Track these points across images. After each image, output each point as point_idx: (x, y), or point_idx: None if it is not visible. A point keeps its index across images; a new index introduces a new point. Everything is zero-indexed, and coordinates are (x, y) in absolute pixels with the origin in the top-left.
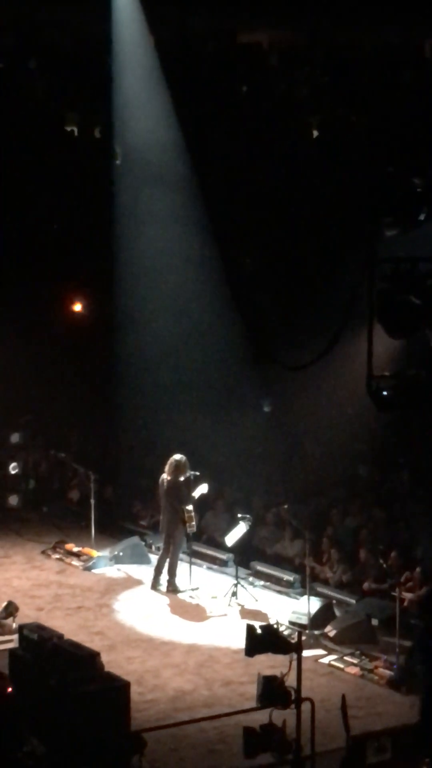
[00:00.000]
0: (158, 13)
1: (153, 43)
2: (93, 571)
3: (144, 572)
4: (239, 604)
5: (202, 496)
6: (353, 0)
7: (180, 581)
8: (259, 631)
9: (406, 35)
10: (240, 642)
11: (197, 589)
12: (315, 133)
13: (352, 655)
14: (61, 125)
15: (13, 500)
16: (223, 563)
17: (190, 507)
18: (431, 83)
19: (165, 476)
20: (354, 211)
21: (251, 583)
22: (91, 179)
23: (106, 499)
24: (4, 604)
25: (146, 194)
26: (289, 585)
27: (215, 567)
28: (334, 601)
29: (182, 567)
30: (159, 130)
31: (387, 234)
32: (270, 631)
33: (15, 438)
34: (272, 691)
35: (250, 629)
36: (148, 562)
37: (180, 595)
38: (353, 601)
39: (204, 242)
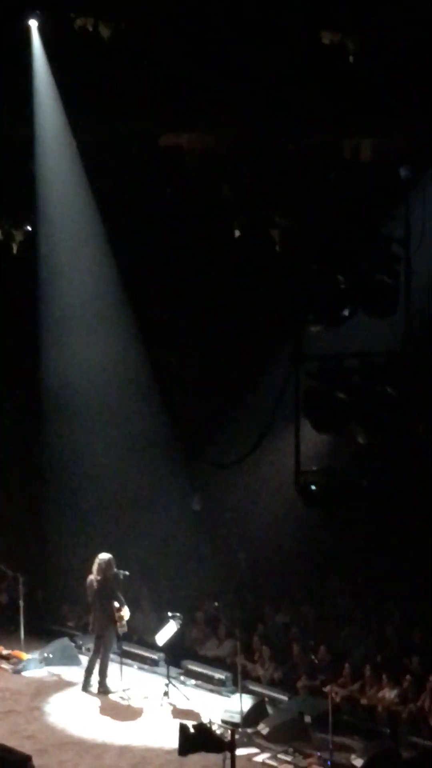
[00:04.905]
0: (80, 117)
1: (75, 147)
2: (23, 673)
3: (75, 674)
4: (171, 704)
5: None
6: (272, 103)
7: (111, 682)
8: (191, 730)
9: (326, 137)
10: (173, 742)
11: (129, 689)
12: (236, 233)
13: (285, 752)
14: None
15: None
16: (154, 663)
17: (117, 604)
18: (353, 183)
19: (93, 576)
20: (279, 309)
21: (183, 683)
22: (15, 284)
23: (34, 601)
24: None
25: (71, 300)
26: (221, 683)
27: (146, 667)
28: (266, 699)
29: (113, 667)
30: (83, 233)
31: (312, 330)
32: (203, 730)
33: None
34: None
35: (183, 729)
36: (78, 663)
37: (111, 696)
38: (285, 699)
39: (131, 344)
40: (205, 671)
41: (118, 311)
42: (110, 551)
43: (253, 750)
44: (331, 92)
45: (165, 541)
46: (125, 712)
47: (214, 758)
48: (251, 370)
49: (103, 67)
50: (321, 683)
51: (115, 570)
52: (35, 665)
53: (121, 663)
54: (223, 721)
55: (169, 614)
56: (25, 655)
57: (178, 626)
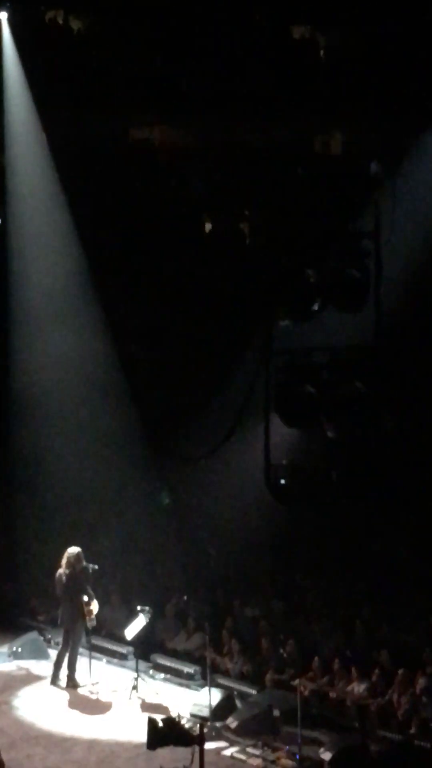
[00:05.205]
0: (50, 110)
1: (46, 140)
2: None
3: (43, 667)
4: (140, 698)
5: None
6: (243, 97)
7: (80, 676)
8: (160, 724)
9: (296, 131)
10: (142, 736)
11: (97, 683)
12: (208, 227)
13: (254, 746)
14: None
15: None
16: (123, 657)
17: (86, 598)
18: (323, 177)
19: (62, 570)
20: (249, 304)
21: (152, 677)
22: None
23: (3, 595)
24: None
25: (41, 294)
26: (190, 677)
27: (115, 661)
28: (235, 693)
29: (82, 661)
30: (52, 227)
31: (281, 325)
32: (171, 724)
33: None
34: None
35: (152, 723)
36: (47, 657)
37: (80, 690)
38: (254, 692)
39: (100, 338)
40: (174, 665)
41: (88, 306)
42: (79, 545)
43: (222, 744)
44: (301, 87)
45: (134, 535)
46: (94, 706)
47: (182, 752)
48: (221, 365)
49: (73, 60)
50: (290, 677)
51: (84, 564)
52: (3, 659)
53: (90, 657)
54: (192, 715)
55: (138, 608)
56: None
57: (147, 620)
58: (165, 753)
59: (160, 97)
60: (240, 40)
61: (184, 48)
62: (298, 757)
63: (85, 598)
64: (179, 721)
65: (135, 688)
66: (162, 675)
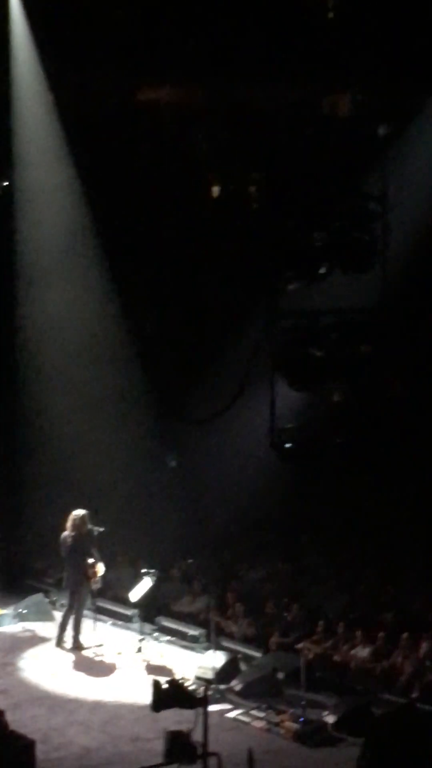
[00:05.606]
0: (57, 71)
1: (53, 101)
2: None
3: (48, 629)
4: (145, 660)
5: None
6: (250, 58)
7: (85, 638)
8: (165, 686)
9: (304, 92)
10: (146, 698)
11: (102, 645)
12: (216, 190)
13: (258, 709)
14: None
15: None
16: (128, 619)
17: (91, 560)
18: (331, 139)
19: (68, 532)
20: (256, 266)
21: (156, 639)
22: None
23: (9, 556)
24: None
25: (48, 255)
26: (195, 640)
27: (120, 623)
28: (239, 656)
29: (87, 623)
30: (59, 189)
31: (289, 288)
32: (176, 687)
33: None
34: (179, 747)
35: (156, 685)
36: (52, 619)
37: (85, 652)
38: (259, 655)
39: (107, 299)
40: (178, 627)
41: (95, 267)
42: (85, 507)
43: (226, 706)
44: (310, 47)
45: (140, 498)
46: (99, 668)
47: (187, 714)
48: (227, 327)
49: (81, 20)
50: (294, 640)
51: (90, 526)
52: (9, 620)
53: (95, 619)
54: (197, 677)
55: (144, 570)
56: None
57: (153, 582)
58: (169, 715)
59: (167, 58)
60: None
61: (192, 7)
62: (302, 720)
63: (91, 561)
64: (184, 684)
65: (140, 650)
66: (167, 637)
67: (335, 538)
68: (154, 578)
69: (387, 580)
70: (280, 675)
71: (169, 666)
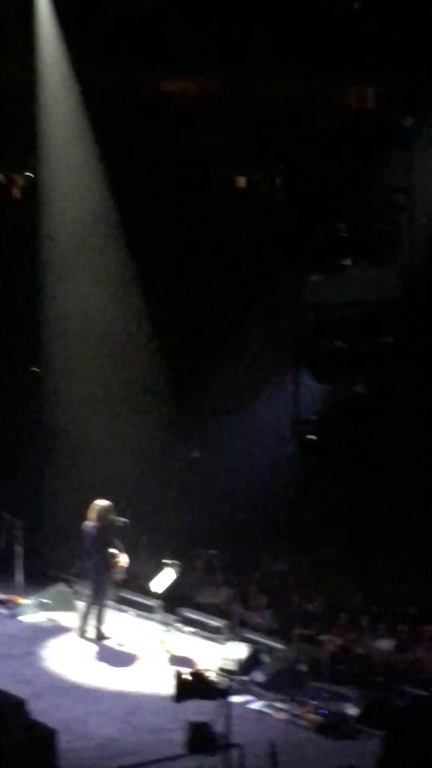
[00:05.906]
0: (83, 61)
1: (78, 91)
2: (20, 618)
3: (71, 619)
4: (167, 651)
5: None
6: (277, 50)
7: (107, 628)
8: (187, 677)
9: (331, 84)
10: (168, 689)
11: (125, 636)
12: (241, 181)
13: (280, 700)
14: None
15: None
16: (151, 610)
17: (115, 551)
18: (356, 131)
19: (90, 523)
20: (279, 258)
21: (179, 630)
22: (16, 228)
23: (32, 546)
24: None
25: (71, 247)
26: (217, 631)
27: (143, 614)
28: (262, 647)
29: (109, 614)
30: (83, 181)
31: (312, 279)
32: (198, 678)
33: None
34: (201, 738)
35: (179, 676)
36: (75, 609)
37: (107, 642)
38: (281, 647)
39: (130, 290)
40: (201, 619)
41: (118, 257)
42: (108, 498)
43: (249, 698)
44: (336, 39)
45: (163, 489)
46: (121, 659)
47: (209, 705)
48: (251, 318)
49: (107, 10)
50: (317, 632)
51: (113, 517)
52: (32, 610)
53: (118, 609)
54: (219, 669)
55: (167, 561)
56: (22, 600)
57: (176, 574)
58: (191, 706)
59: (193, 49)
60: None
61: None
62: (324, 712)
63: (114, 552)
64: (206, 675)
65: (162, 641)
66: (189, 628)
67: (356, 531)
68: (177, 569)
69: (409, 572)
70: (303, 667)
71: (191, 657)
